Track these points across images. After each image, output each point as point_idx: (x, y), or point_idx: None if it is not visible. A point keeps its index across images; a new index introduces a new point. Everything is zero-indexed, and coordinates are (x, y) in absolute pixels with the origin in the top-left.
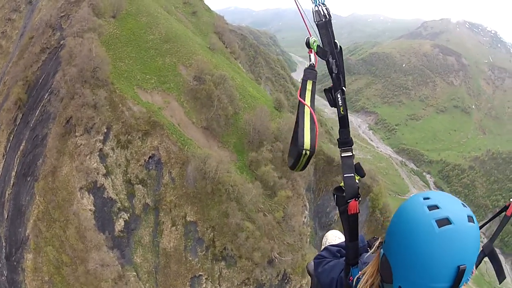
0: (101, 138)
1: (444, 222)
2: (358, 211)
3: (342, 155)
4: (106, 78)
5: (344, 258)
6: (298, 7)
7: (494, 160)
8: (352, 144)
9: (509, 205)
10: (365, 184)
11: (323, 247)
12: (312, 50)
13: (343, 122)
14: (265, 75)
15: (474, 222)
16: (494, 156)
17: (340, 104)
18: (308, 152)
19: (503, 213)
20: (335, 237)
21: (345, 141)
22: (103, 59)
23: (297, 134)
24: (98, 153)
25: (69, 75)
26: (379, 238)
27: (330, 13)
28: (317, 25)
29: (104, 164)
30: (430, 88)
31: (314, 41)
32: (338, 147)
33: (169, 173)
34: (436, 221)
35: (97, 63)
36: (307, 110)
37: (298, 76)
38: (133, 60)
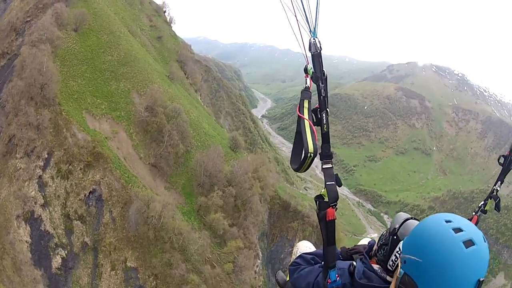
0: (41, 164)
1: (469, 243)
2: (335, 218)
3: (324, 166)
4: (54, 98)
5: (318, 264)
6: (296, 37)
7: (455, 200)
8: (332, 157)
9: (472, 217)
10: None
11: (294, 257)
12: (309, 75)
13: (326, 138)
14: (225, 109)
15: (486, 242)
16: (455, 196)
17: (325, 122)
18: (312, 155)
19: None
20: (305, 247)
21: (326, 154)
22: (52, 76)
23: (301, 143)
24: (37, 181)
25: (16, 89)
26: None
27: (321, 45)
28: (312, 55)
29: (43, 194)
30: (390, 130)
31: (310, 68)
32: (320, 159)
33: (110, 212)
34: (463, 242)
35: (46, 80)
36: (307, 123)
37: (258, 112)
38: (86, 81)
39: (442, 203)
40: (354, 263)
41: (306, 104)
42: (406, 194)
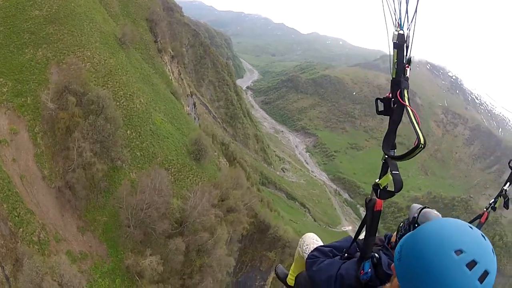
0: None
1: (484, 276)
2: (382, 209)
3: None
4: None
5: (338, 257)
6: (386, 24)
7: (435, 204)
8: (396, 147)
9: (483, 213)
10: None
11: (301, 247)
12: (409, 67)
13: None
14: (209, 78)
15: (494, 254)
16: (436, 200)
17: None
18: (423, 146)
19: (478, 220)
20: (312, 239)
21: (392, 144)
22: None
23: (394, 132)
24: None
25: None
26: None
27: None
28: (398, 44)
29: None
30: (377, 121)
31: (411, 59)
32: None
33: (2, 267)
34: (478, 279)
35: None
36: (411, 113)
37: (244, 83)
38: None
39: (421, 204)
40: (377, 255)
41: (406, 94)
42: None
